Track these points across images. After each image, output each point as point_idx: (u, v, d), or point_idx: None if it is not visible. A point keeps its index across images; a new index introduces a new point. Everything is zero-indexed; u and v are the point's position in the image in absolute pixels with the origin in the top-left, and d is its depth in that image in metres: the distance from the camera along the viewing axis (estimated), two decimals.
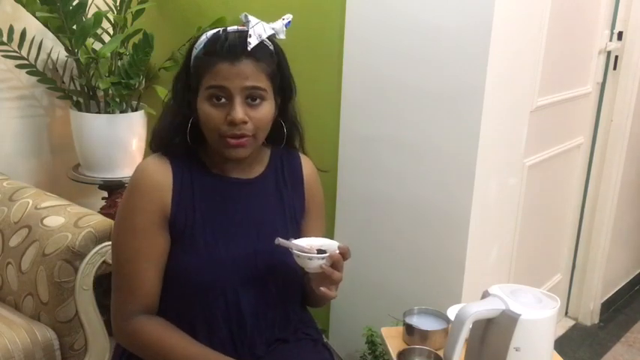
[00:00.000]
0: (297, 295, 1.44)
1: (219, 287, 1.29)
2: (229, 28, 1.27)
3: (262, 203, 1.37)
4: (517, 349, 1.23)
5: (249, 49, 1.23)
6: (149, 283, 1.28)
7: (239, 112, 1.22)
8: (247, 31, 1.25)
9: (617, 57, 2.56)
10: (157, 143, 1.33)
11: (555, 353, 1.41)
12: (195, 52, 1.28)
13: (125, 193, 1.31)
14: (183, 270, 1.28)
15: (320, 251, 1.25)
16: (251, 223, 1.34)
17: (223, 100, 1.23)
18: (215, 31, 1.27)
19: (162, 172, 1.29)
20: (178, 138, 1.30)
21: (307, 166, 1.46)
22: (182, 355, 1.25)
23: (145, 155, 2.54)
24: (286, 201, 1.40)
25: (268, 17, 1.34)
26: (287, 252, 1.27)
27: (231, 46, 1.23)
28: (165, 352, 1.26)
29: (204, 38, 1.27)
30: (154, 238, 1.27)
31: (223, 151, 1.27)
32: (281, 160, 1.42)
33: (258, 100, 1.25)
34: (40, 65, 2.40)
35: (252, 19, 1.27)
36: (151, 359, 1.28)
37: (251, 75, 1.23)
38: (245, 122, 1.23)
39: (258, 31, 1.26)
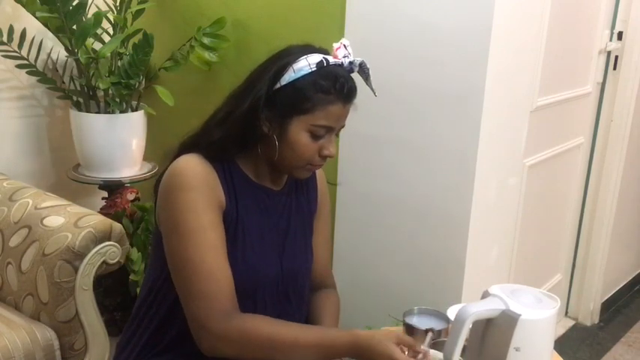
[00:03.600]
0: (307, 299, 1.46)
1: (245, 288, 1.28)
2: (334, 61, 1.25)
3: (288, 212, 1.39)
4: (517, 349, 1.23)
5: (375, 95, 1.30)
6: (230, 275, 1.22)
7: (335, 148, 1.28)
8: (352, 71, 1.27)
9: (617, 57, 2.56)
10: (207, 146, 1.27)
11: (555, 353, 1.41)
12: (293, 75, 1.23)
13: (173, 194, 1.23)
14: None
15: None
16: (280, 231, 1.36)
17: (322, 134, 1.25)
18: (320, 59, 1.23)
19: (209, 171, 1.25)
20: (236, 149, 1.28)
21: (319, 171, 1.48)
22: (297, 344, 1.19)
23: (146, 155, 2.54)
24: (304, 207, 1.43)
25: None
26: (309, 260, 1.40)
27: (350, 91, 1.25)
28: (280, 345, 1.19)
29: (307, 65, 1.23)
30: (221, 231, 1.23)
31: (297, 174, 1.31)
32: None
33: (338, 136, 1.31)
34: (40, 65, 2.40)
35: (365, 64, 1.28)
36: (261, 356, 1.21)
37: (347, 116, 1.29)
38: None
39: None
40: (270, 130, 1.25)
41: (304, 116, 1.23)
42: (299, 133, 1.24)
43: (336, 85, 1.22)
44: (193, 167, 1.24)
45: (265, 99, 1.24)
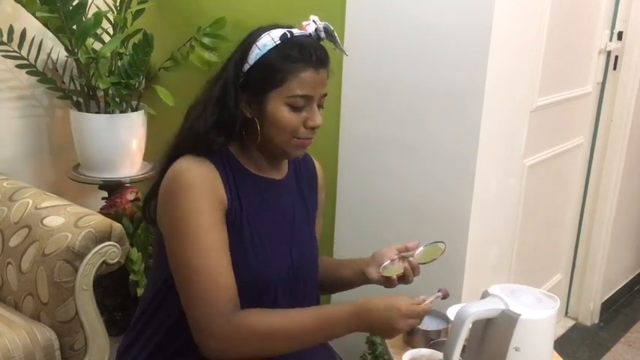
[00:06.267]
0: (317, 289, 1.46)
1: (260, 283, 1.28)
2: (298, 32, 1.27)
3: (292, 201, 1.39)
4: (517, 349, 1.23)
5: (346, 55, 1.32)
6: (230, 277, 1.22)
7: (320, 118, 1.27)
8: (320, 39, 1.28)
9: (617, 57, 2.56)
10: (193, 143, 1.27)
11: (555, 353, 1.41)
12: (259, 52, 1.25)
13: (173, 196, 1.22)
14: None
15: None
16: (286, 221, 1.36)
17: (302, 105, 1.25)
18: (283, 32, 1.25)
19: (208, 169, 1.25)
20: (222, 138, 1.27)
21: (319, 168, 1.50)
22: (300, 331, 1.20)
23: (146, 155, 2.54)
24: (307, 199, 1.43)
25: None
26: (315, 246, 1.42)
27: (319, 56, 1.25)
28: (281, 335, 1.20)
29: (270, 40, 1.25)
30: (222, 232, 1.23)
31: (290, 152, 1.29)
32: (297, 161, 1.44)
33: (322, 107, 1.30)
34: (40, 65, 2.40)
35: (329, 27, 1.29)
36: (264, 351, 1.22)
37: (325, 83, 1.28)
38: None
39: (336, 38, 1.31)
40: (251, 113, 1.27)
41: (278, 89, 1.24)
42: (277, 107, 1.24)
43: (303, 52, 1.24)
44: (192, 167, 1.24)
45: (240, 83, 1.26)
